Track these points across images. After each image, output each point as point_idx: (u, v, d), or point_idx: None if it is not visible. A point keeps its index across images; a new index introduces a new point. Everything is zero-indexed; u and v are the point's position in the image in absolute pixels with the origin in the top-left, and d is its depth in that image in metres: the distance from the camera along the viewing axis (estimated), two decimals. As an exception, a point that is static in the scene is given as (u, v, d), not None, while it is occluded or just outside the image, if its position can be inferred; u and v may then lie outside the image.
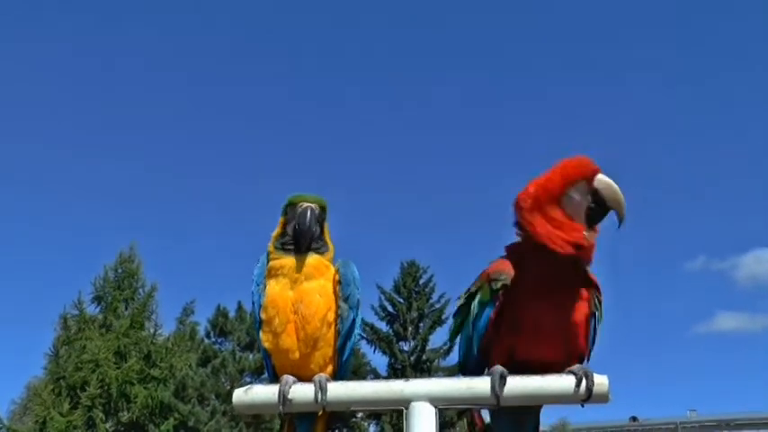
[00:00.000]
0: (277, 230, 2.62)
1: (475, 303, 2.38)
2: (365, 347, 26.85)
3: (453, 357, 25.95)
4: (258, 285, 2.61)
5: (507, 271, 2.28)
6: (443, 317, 26.23)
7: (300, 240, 2.52)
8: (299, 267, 2.52)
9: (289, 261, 2.53)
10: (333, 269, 2.59)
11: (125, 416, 21.58)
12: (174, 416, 21.58)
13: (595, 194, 2.23)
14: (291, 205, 2.58)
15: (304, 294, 2.51)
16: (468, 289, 2.45)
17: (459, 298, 2.51)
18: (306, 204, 2.55)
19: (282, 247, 2.56)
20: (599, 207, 2.24)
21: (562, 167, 2.27)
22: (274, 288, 2.54)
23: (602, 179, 2.24)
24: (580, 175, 2.23)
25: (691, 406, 41.81)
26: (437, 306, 26.72)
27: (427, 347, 26.16)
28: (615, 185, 2.23)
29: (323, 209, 2.60)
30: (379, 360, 26.45)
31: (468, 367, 2.46)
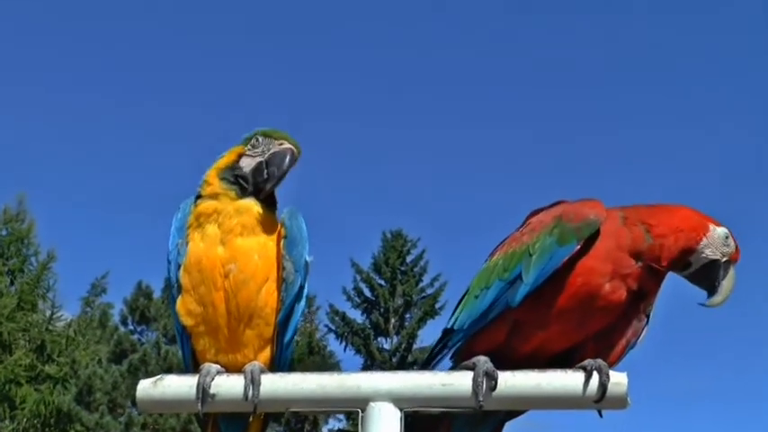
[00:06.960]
0: (227, 158, 2.69)
1: (548, 239, 2.51)
2: (333, 343, 27.03)
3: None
4: (178, 238, 2.66)
5: (602, 214, 2.50)
6: (437, 305, 26.42)
7: (267, 183, 2.63)
8: (239, 214, 2.59)
9: (228, 205, 2.60)
10: (278, 224, 2.68)
11: (8, 427, 21.71)
12: (76, 428, 21.78)
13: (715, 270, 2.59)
14: (266, 137, 2.69)
15: (238, 253, 2.57)
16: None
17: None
18: (288, 145, 2.67)
19: (233, 180, 2.64)
20: (701, 277, 2.59)
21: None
22: (199, 243, 2.60)
23: (732, 271, 2.60)
24: (732, 250, 2.58)
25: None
26: (429, 292, 26.95)
27: (414, 345, 26.41)
28: (733, 283, 2.59)
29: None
30: (351, 361, 26.62)
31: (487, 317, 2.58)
